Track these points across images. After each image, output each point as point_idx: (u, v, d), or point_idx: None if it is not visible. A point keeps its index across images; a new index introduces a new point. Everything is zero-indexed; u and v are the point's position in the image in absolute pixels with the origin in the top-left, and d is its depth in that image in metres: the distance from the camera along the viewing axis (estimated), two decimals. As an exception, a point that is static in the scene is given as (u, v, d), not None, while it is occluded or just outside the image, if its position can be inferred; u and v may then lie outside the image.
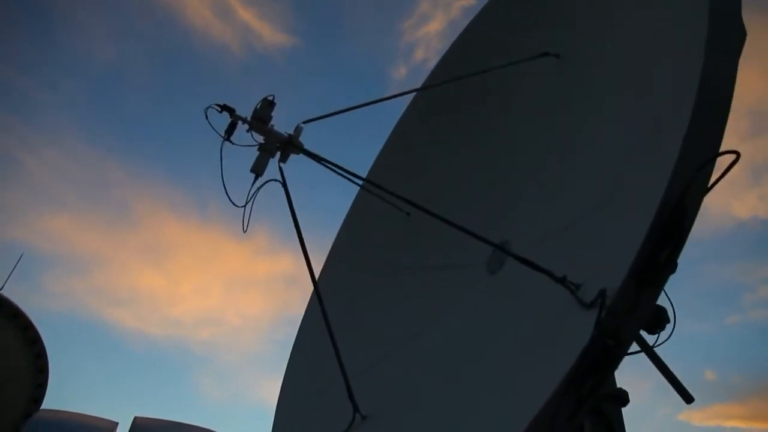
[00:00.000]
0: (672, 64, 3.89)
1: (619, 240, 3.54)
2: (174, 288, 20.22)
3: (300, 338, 6.78)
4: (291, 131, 4.77)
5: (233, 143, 4.59)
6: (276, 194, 4.79)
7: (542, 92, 5.66)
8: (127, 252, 19.40)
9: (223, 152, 4.56)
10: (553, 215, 4.74)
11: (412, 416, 4.62)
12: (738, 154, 3.24)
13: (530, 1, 6.35)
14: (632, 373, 4.45)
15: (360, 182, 5.83)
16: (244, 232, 4.62)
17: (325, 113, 5.14)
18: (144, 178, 19.45)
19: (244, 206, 4.57)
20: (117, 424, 9.46)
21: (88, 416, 9.51)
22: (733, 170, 3.27)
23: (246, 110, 4.61)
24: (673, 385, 4.07)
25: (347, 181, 5.22)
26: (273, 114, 4.66)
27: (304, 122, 4.94)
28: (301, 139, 4.76)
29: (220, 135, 4.54)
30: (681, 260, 3.48)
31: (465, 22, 7.30)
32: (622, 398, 4.13)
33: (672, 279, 3.49)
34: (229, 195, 4.54)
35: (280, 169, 4.75)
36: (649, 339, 3.94)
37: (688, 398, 4.05)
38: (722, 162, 3.35)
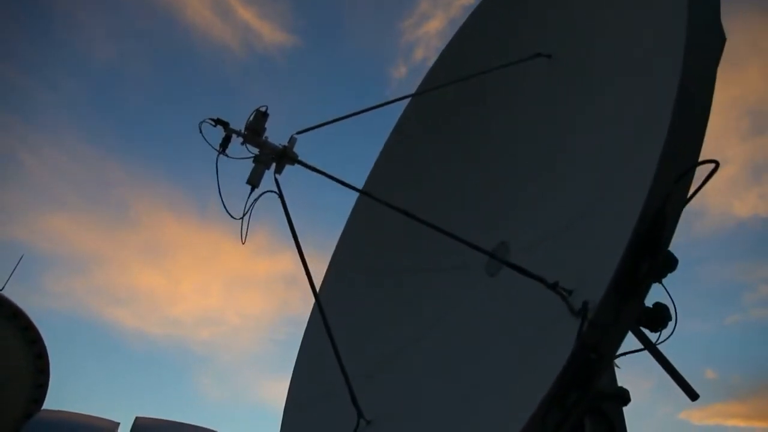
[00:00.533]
0: (652, 69, 3.87)
1: (600, 250, 3.56)
2: (174, 288, 20.25)
3: (305, 342, 6.86)
4: (292, 132, 4.79)
5: (228, 156, 4.59)
6: (274, 199, 4.78)
7: (533, 95, 5.63)
8: (127, 252, 19.45)
9: (219, 164, 4.55)
10: (553, 215, 4.76)
11: (414, 423, 4.71)
12: (717, 164, 3.24)
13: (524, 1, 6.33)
14: (633, 372, 4.46)
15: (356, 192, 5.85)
16: (243, 243, 4.68)
17: (324, 117, 5.14)
18: (144, 178, 19.50)
19: (242, 218, 4.57)
20: (118, 424, 9.48)
21: (89, 416, 9.49)
22: (732, 170, 3.27)
23: (247, 111, 4.60)
24: (677, 382, 4.03)
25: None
26: (271, 117, 4.61)
27: (298, 133, 4.95)
28: (299, 144, 4.77)
29: (214, 149, 4.53)
30: (681, 260, 3.48)
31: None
32: (623, 397, 4.12)
33: (672, 278, 3.50)
34: (227, 205, 4.54)
35: (276, 181, 4.76)
36: (652, 337, 3.92)
37: (692, 395, 4.01)
38: (702, 170, 3.35)
